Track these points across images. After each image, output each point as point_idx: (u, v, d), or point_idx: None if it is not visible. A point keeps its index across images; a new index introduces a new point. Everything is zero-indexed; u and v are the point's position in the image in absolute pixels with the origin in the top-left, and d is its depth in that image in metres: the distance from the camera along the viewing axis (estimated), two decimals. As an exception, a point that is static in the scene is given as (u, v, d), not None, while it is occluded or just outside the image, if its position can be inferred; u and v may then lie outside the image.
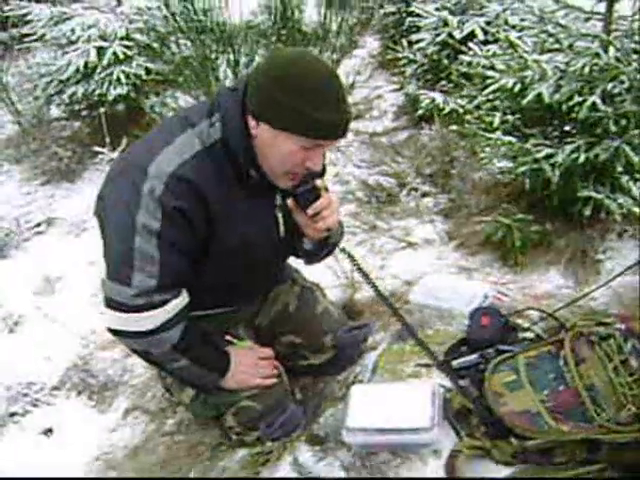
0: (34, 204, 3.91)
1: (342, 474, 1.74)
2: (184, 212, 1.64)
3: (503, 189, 2.99)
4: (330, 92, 1.59)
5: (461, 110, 3.26)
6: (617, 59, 2.37)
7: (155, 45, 4.13)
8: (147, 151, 1.68)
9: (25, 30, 4.30)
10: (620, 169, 2.49)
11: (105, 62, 3.87)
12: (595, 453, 1.58)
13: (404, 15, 4.48)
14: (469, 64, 3.00)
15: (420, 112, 3.71)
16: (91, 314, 2.73)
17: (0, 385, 2.53)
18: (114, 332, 1.77)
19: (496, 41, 3.09)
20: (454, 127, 3.13)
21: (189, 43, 4.11)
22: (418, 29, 3.96)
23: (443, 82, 3.77)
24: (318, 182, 1.73)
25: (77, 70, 3.92)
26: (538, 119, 2.69)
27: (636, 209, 2.46)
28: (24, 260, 3.39)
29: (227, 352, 1.92)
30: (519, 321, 2.11)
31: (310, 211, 1.74)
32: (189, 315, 1.80)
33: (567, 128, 2.60)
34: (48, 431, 2.34)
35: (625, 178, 2.51)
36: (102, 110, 3.88)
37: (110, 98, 3.94)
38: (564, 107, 2.46)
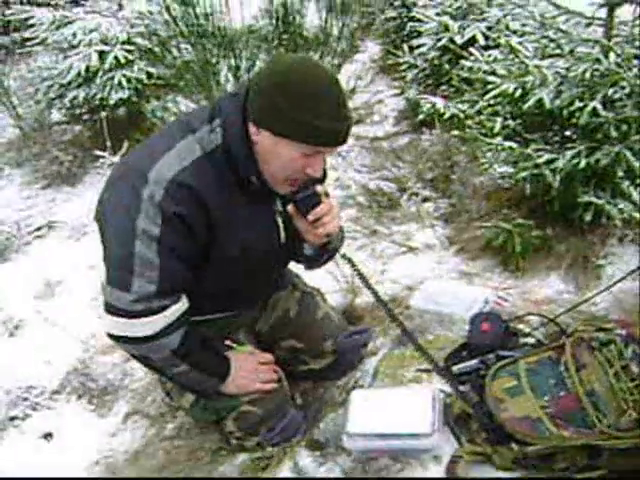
0: (35, 208, 3.92)
1: (342, 479, 1.74)
2: (184, 218, 1.64)
3: (504, 194, 2.99)
4: (331, 99, 1.59)
5: (462, 115, 3.26)
6: (618, 65, 2.37)
7: (156, 49, 4.14)
8: (148, 156, 1.68)
9: (27, 34, 4.32)
10: (621, 174, 2.49)
11: (106, 66, 3.88)
12: (596, 459, 1.57)
13: (405, 20, 4.49)
14: (470, 69, 3.00)
15: (421, 117, 3.72)
16: (91, 318, 2.73)
17: (0, 389, 2.53)
18: (113, 337, 1.77)
19: (497, 46, 3.09)
20: (455, 132, 3.13)
21: (190, 47, 4.11)
22: (419, 34, 3.96)
23: (444, 87, 3.77)
24: (319, 188, 1.73)
25: (78, 74, 3.93)
26: (539, 124, 2.69)
27: (637, 214, 2.46)
28: (25, 264, 3.39)
29: (227, 357, 1.92)
30: (520, 326, 2.10)
31: (310, 217, 1.73)
32: (189, 320, 1.79)
33: (568, 133, 2.60)
34: (48, 435, 2.34)
35: (626, 183, 2.51)
36: (103, 114, 3.89)
37: (111, 102, 3.95)
38: (565, 112, 2.46)
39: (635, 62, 2.41)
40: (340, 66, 4.63)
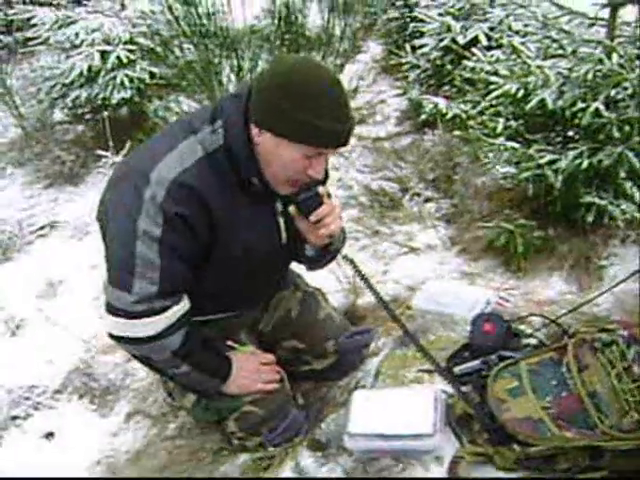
0: (37, 207, 3.92)
1: None
2: (185, 218, 1.64)
3: (506, 195, 2.98)
4: (332, 100, 1.59)
5: (464, 115, 3.26)
6: (620, 65, 2.37)
7: (159, 49, 4.14)
8: (149, 157, 1.68)
9: (29, 34, 4.32)
10: (623, 175, 2.48)
11: (109, 66, 3.88)
12: (598, 460, 1.57)
13: (407, 20, 4.49)
14: (472, 69, 3.00)
15: (423, 117, 3.72)
16: (93, 318, 2.73)
17: (2, 388, 2.53)
18: (114, 338, 1.77)
19: (499, 47, 3.09)
20: (457, 132, 3.14)
21: (192, 47, 4.11)
22: (421, 34, 3.96)
23: (446, 87, 3.77)
24: (320, 189, 1.72)
25: (81, 74, 3.92)
26: (541, 125, 2.69)
27: (639, 215, 2.46)
28: (27, 263, 3.40)
29: (229, 357, 1.92)
30: (522, 327, 2.10)
31: (312, 218, 1.73)
32: (190, 321, 1.79)
33: (570, 134, 2.60)
34: (49, 435, 2.34)
35: (628, 184, 2.51)
36: (105, 114, 3.88)
37: (114, 102, 3.95)
38: (567, 113, 2.46)
39: (638, 63, 2.41)
40: (342, 66, 4.64)
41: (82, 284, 3.07)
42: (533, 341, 2.02)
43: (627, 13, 2.51)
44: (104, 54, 3.90)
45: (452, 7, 3.79)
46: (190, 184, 1.63)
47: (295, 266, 2.11)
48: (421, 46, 3.93)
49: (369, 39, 5.61)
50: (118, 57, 3.87)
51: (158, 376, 2.10)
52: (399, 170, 3.57)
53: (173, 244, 1.66)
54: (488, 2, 3.65)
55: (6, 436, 2.36)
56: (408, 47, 4.13)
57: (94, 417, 2.40)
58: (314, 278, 2.23)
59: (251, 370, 1.93)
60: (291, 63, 1.63)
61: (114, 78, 3.92)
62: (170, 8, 4.06)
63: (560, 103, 2.46)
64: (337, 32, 4.74)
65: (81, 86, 4.03)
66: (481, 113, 2.83)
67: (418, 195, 3.33)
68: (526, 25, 2.90)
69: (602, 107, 2.34)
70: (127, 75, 3.91)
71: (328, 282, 2.53)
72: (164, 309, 1.71)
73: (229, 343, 1.98)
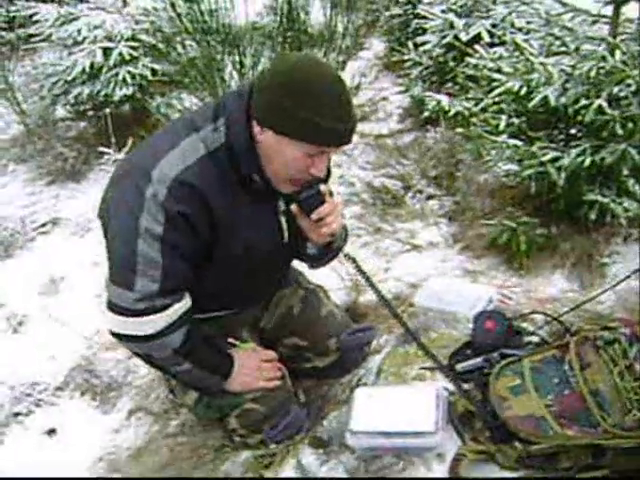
0: (39, 204, 3.92)
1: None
2: (187, 217, 1.64)
3: (508, 192, 2.98)
4: (335, 98, 1.58)
5: (467, 113, 3.24)
6: (623, 62, 2.37)
7: (161, 46, 4.13)
8: (151, 155, 1.68)
9: (31, 30, 4.31)
10: (626, 173, 2.48)
11: (111, 63, 3.87)
12: (600, 458, 1.57)
13: (410, 17, 4.47)
14: (475, 66, 2.99)
15: (426, 114, 3.70)
16: (95, 314, 2.72)
17: (4, 385, 2.54)
18: (116, 335, 1.77)
19: (502, 44, 3.08)
20: (459, 130, 3.12)
21: (195, 44, 4.10)
22: (424, 31, 3.94)
23: (449, 84, 3.75)
24: (322, 187, 1.72)
25: (83, 70, 3.92)
26: (544, 122, 2.68)
27: (642, 213, 2.45)
28: (29, 260, 3.40)
29: (230, 355, 1.92)
30: (524, 325, 2.10)
31: (314, 216, 1.73)
32: (192, 319, 1.79)
33: (573, 131, 2.60)
34: (51, 431, 2.35)
35: (631, 182, 2.51)
36: (108, 111, 3.87)
37: (116, 99, 3.94)
38: (570, 110, 2.45)
39: (641, 60, 2.40)
40: (345, 63, 4.62)
41: (84, 281, 3.07)
42: (535, 339, 2.03)
43: (630, 10, 2.50)
44: (106, 51, 3.89)
45: (455, 4, 3.77)
46: (192, 182, 1.63)
47: (297, 263, 2.11)
48: (423, 43, 3.91)
49: (371, 36, 5.60)
50: (120, 54, 3.87)
51: (160, 373, 2.10)
52: (401, 167, 3.56)
53: (175, 242, 1.66)
54: (491, -1, 3.64)
55: (8, 433, 2.37)
56: (410, 44, 4.11)
57: (96, 414, 2.40)
58: (316, 275, 2.23)
59: (252, 367, 1.93)
60: (293, 61, 1.63)
61: (116, 75, 3.91)
62: (172, 5, 4.05)
63: (563, 100, 2.46)
64: (339, 29, 4.72)
65: (83, 83, 4.02)
66: (484, 110, 2.83)
67: (420, 192, 3.32)
68: (529, 22, 2.88)
69: (605, 104, 2.33)
70: (129, 72, 3.90)
71: (330, 279, 2.52)
72: (165, 307, 1.71)
73: (230, 340, 1.98)
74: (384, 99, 4.55)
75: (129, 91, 3.94)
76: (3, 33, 5.75)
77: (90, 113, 4.33)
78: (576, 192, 2.54)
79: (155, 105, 4.13)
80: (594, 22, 2.58)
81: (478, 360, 1.92)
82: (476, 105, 2.94)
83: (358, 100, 4.38)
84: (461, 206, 3.10)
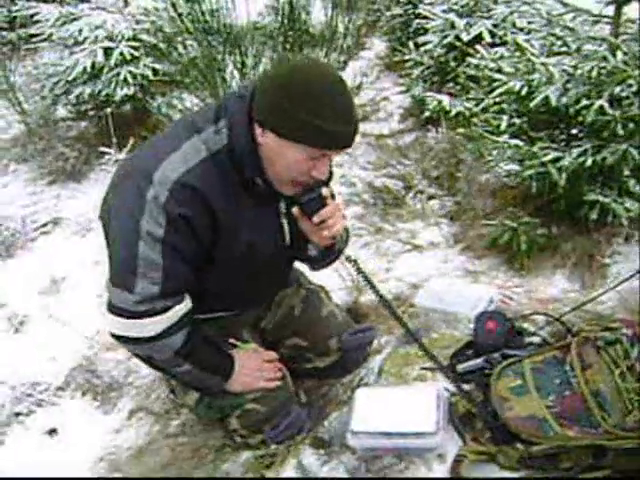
0: (40, 204, 3.91)
1: (346, 478, 1.74)
2: (188, 219, 1.64)
3: (509, 192, 2.98)
4: (337, 101, 1.57)
5: (468, 113, 3.25)
6: (625, 62, 2.37)
7: (162, 46, 4.13)
8: (153, 156, 1.68)
9: (33, 30, 4.31)
10: (627, 173, 2.48)
11: (112, 63, 3.87)
12: (601, 459, 1.57)
13: (411, 17, 4.47)
14: (476, 66, 2.99)
15: (427, 114, 3.71)
16: (96, 314, 2.72)
17: (5, 385, 2.54)
18: (116, 337, 1.77)
19: (503, 44, 3.09)
20: (461, 130, 3.13)
21: (196, 44, 4.10)
22: (425, 31, 3.95)
23: (450, 84, 3.76)
24: (324, 190, 1.72)
25: (84, 70, 3.91)
26: (545, 122, 2.68)
27: (643, 213, 2.45)
28: (30, 260, 3.40)
29: (231, 355, 1.92)
30: (525, 325, 2.10)
31: (316, 219, 1.72)
32: (192, 320, 1.79)
33: (574, 131, 2.60)
34: (52, 431, 2.34)
35: (632, 182, 2.51)
36: (109, 110, 3.88)
37: (117, 99, 3.94)
38: (571, 110, 2.45)
39: (642, 60, 2.40)
40: (346, 63, 4.63)
41: (85, 281, 3.07)
42: (536, 339, 2.02)
43: (632, 10, 2.50)
44: (107, 51, 3.89)
45: (456, 4, 3.77)
46: (193, 185, 1.63)
47: (297, 264, 2.11)
48: (425, 43, 3.91)
49: (373, 36, 5.60)
50: (121, 54, 3.86)
51: (161, 373, 2.10)
52: (402, 167, 3.56)
53: (176, 245, 1.66)
54: (492, -1, 3.65)
55: (9, 433, 2.36)
56: (412, 44, 4.12)
57: (97, 414, 2.40)
58: (317, 275, 2.23)
59: (253, 368, 1.93)
60: (294, 63, 1.64)
61: (117, 75, 3.91)
62: (174, 5, 4.06)
63: (564, 100, 2.46)
64: (340, 29, 4.72)
65: (84, 83, 4.02)
66: (485, 110, 2.83)
67: (421, 192, 3.32)
68: (530, 22, 2.88)
69: (606, 104, 2.33)
70: (130, 72, 3.90)
71: (331, 280, 2.52)
72: (166, 309, 1.71)
73: (231, 341, 1.98)
74: (385, 99, 4.55)
75: (130, 91, 3.94)
76: (4, 33, 5.76)
77: (91, 113, 4.33)
78: (577, 192, 2.54)
79: (156, 105, 4.14)
80: (595, 22, 2.58)
81: (479, 361, 1.92)
82: (477, 105, 2.94)
83: (359, 100, 4.39)
84: (462, 206, 3.10)
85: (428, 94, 3.75)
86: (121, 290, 1.69)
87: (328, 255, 1.94)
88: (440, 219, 3.11)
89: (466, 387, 1.86)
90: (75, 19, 4.07)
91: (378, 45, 5.42)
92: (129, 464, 2.13)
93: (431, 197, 3.29)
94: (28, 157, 4.40)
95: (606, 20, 2.52)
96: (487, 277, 2.62)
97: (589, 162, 2.39)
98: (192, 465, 2.02)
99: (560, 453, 1.59)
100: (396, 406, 1.78)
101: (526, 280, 2.57)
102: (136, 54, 3.94)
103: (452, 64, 3.73)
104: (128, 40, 3.94)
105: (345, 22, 4.78)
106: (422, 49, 3.96)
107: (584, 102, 2.40)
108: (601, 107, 2.33)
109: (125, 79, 3.90)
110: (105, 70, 3.92)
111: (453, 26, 3.66)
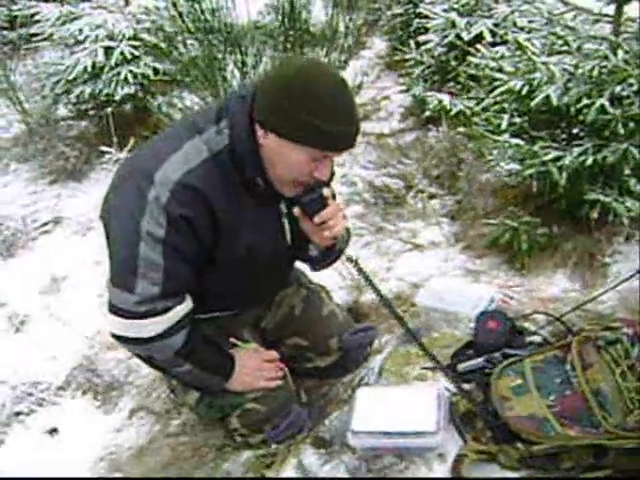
0: (41, 203, 3.91)
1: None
2: (189, 220, 1.64)
3: (510, 192, 2.98)
4: (338, 102, 1.57)
5: (468, 112, 3.25)
6: (626, 61, 2.36)
7: (163, 45, 4.13)
8: (154, 157, 1.67)
9: (33, 29, 4.32)
10: (628, 172, 2.48)
11: (113, 62, 3.87)
12: (602, 459, 1.57)
13: (412, 16, 4.47)
14: (477, 66, 2.99)
15: (427, 114, 3.71)
16: (97, 314, 2.72)
17: (5, 384, 2.53)
18: (116, 337, 1.77)
19: (504, 43, 3.08)
20: (461, 129, 3.13)
21: (196, 43, 4.10)
22: (426, 30, 3.95)
23: (451, 84, 3.76)
24: (325, 190, 1.71)
25: (85, 70, 3.91)
26: (546, 121, 2.68)
27: (644, 212, 2.45)
28: (30, 259, 3.39)
29: (231, 355, 1.92)
30: (526, 325, 2.10)
31: (317, 220, 1.72)
32: (193, 320, 1.79)
33: (575, 131, 2.60)
34: (53, 431, 2.34)
35: (633, 181, 2.51)
36: (109, 110, 3.88)
37: (117, 98, 3.94)
38: (572, 109, 2.45)
39: (643, 59, 2.40)
40: (346, 62, 4.62)
41: (86, 280, 3.07)
42: (537, 339, 2.02)
43: (632, 9, 2.50)
44: (108, 50, 3.89)
45: (457, 3, 3.77)
46: (194, 185, 1.63)
47: (298, 263, 2.11)
48: (425, 42, 3.91)
49: (373, 35, 5.60)
50: (122, 53, 3.86)
51: (161, 373, 2.10)
52: (403, 167, 3.56)
53: (176, 246, 1.66)
54: (493, -2, 3.65)
55: (9, 432, 2.36)
56: (412, 43, 4.12)
57: (97, 413, 2.40)
58: (317, 275, 2.22)
59: (254, 367, 1.93)
60: (295, 64, 1.64)
61: (118, 74, 3.91)
62: (174, 4, 4.05)
63: (565, 100, 2.46)
64: (341, 28, 4.72)
65: (85, 82, 4.02)
66: (485, 110, 2.82)
67: (422, 192, 3.32)
68: (531, 21, 2.88)
69: (607, 103, 2.33)
70: (131, 71, 3.90)
71: (331, 279, 2.52)
72: (166, 310, 1.70)
73: (232, 340, 1.98)
74: (386, 98, 4.55)
75: (131, 90, 3.94)
76: (5, 32, 5.76)
77: (92, 112, 4.33)
78: (578, 191, 2.54)
79: (157, 104, 4.14)
80: (596, 21, 2.58)
81: (480, 360, 1.92)
82: (478, 104, 2.94)
83: (360, 99, 4.38)
84: (463, 205, 3.10)
85: (429, 93, 3.75)
86: (121, 290, 1.69)
87: (329, 255, 1.94)
88: (441, 218, 3.11)
89: (467, 387, 1.86)
90: (76, 18, 4.07)
91: (379, 44, 5.42)
92: (130, 464, 2.14)
93: (432, 196, 3.29)
94: (29, 156, 4.40)
95: (607, 19, 2.52)
96: (488, 276, 2.62)
97: (590, 161, 2.39)
98: (193, 464, 2.03)
99: (561, 453, 1.59)
100: (397, 406, 1.78)
101: (527, 279, 2.56)
102: (137, 53, 3.94)
103: (453, 63, 3.73)
104: (129, 39, 3.93)
105: (346, 21, 4.77)
106: (423, 48, 3.96)
107: (585, 101, 2.39)
108: (602, 106, 2.33)
109: (126, 78, 3.89)
110: (106, 69, 3.92)
111: (454, 25, 3.66)
